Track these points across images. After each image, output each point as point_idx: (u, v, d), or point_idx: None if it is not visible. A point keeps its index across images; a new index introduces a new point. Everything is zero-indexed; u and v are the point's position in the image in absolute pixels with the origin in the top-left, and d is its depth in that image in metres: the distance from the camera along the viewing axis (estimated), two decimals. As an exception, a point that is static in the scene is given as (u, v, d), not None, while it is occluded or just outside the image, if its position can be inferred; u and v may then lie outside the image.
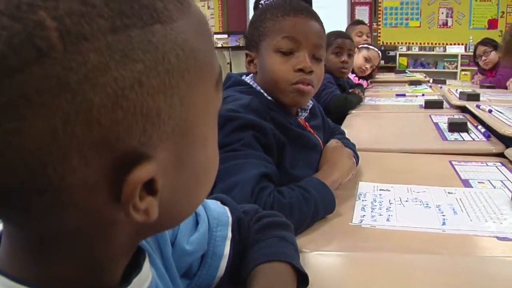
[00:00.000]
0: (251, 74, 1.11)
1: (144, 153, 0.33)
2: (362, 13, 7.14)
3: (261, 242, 0.61)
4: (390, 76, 4.81)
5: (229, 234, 0.61)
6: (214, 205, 0.63)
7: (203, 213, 0.60)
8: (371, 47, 3.10)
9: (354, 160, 1.13)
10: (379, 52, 3.20)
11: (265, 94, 1.03)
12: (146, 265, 0.43)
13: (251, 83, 1.06)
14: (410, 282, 0.68)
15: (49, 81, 0.28)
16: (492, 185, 1.07)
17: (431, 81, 3.88)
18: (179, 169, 0.37)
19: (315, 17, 1.04)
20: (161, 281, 0.48)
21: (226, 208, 0.63)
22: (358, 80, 2.91)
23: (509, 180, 1.10)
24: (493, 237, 0.79)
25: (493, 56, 4.01)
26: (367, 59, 2.97)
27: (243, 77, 1.10)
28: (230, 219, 0.62)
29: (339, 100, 2.23)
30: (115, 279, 0.40)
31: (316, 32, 1.03)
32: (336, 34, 2.43)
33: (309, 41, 1.01)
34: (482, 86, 3.29)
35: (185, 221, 0.55)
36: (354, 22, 4.05)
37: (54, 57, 0.28)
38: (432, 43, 7.11)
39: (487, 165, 1.23)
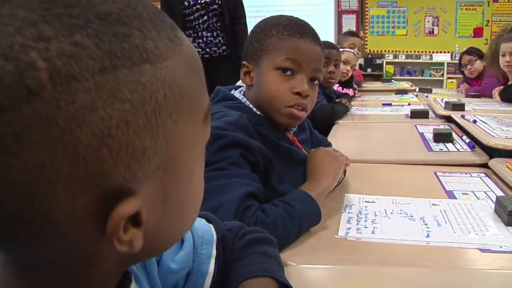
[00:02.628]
0: (240, 88, 1.11)
1: (129, 188, 0.33)
2: (349, 22, 7.21)
3: (244, 259, 0.62)
4: (377, 85, 4.84)
5: (214, 252, 0.61)
6: (199, 223, 0.63)
7: (188, 232, 0.61)
8: (346, 49, 3.13)
9: (340, 163, 1.10)
10: (354, 52, 3.23)
11: (254, 109, 1.04)
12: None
13: (240, 98, 1.06)
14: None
15: (38, 119, 0.29)
16: (476, 196, 1.08)
17: (417, 90, 3.91)
18: (164, 202, 0.37)
19: (318, 41, 1.05)
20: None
21: (211, 226, 0.64)
22: (342, 89, 2.94)
23: (492, 191, 1.12)
24: (476, 249, 0.81)
25: (478, 65, 4.05)
26: (344, 62, 2.99)
27: (232, 92, 1.10)
28: (215, 237, 0.62)
29: (326, 109, 2.24)
30: None
31: (317, 57, 1.04)
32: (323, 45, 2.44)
33: (310, 65, 1.02)
34: (467, 95, 3.33)
35: None
36: (348, 32, 4.06)
37: (43, 97, 0.29)
38: (418, 51, 7.18)
39: (471, 176, 1.25)
